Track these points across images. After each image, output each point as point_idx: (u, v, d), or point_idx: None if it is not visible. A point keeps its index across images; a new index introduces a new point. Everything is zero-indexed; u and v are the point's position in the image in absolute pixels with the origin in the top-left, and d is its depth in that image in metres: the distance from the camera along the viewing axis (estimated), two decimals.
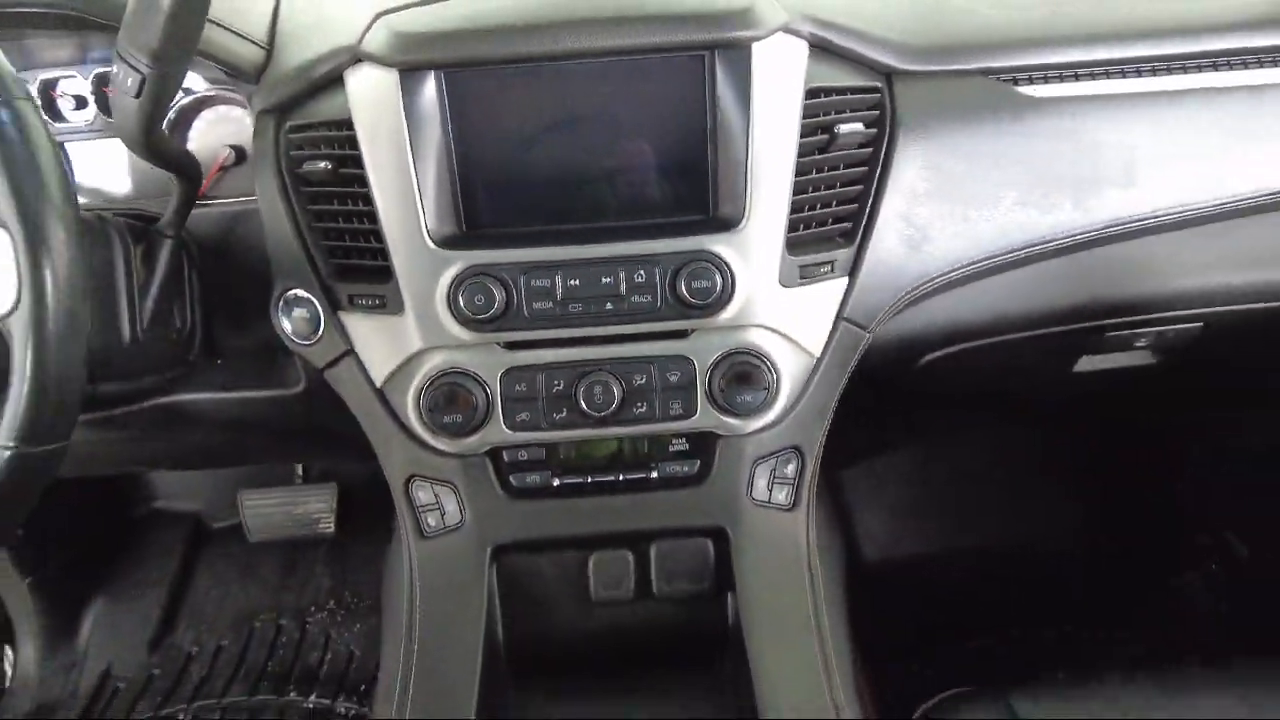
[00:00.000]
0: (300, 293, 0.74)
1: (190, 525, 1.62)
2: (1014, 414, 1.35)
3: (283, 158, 0.72)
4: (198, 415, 0.83)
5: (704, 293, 0.70)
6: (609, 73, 0.69)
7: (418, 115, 0.68)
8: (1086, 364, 0.99)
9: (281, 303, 0.74)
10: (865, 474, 1.46)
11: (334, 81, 0.72)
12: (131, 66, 0.61)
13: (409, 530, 0.75)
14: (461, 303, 0.69)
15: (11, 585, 1.40)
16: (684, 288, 0.70)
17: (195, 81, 0.84)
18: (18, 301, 0.52)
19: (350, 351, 0.74)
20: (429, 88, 0.68)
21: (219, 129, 0.86)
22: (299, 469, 1.55)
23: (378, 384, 0.74)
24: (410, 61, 0.67)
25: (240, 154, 0.84)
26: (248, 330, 0.85)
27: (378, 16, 0.71)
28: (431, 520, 0.74)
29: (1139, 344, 0.95)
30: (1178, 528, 1.45)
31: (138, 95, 0.62)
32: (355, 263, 0.73)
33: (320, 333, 0.74)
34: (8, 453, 0.53)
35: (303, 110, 0.73)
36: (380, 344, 0.73)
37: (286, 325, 0.75)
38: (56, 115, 0.86)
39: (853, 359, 0.78)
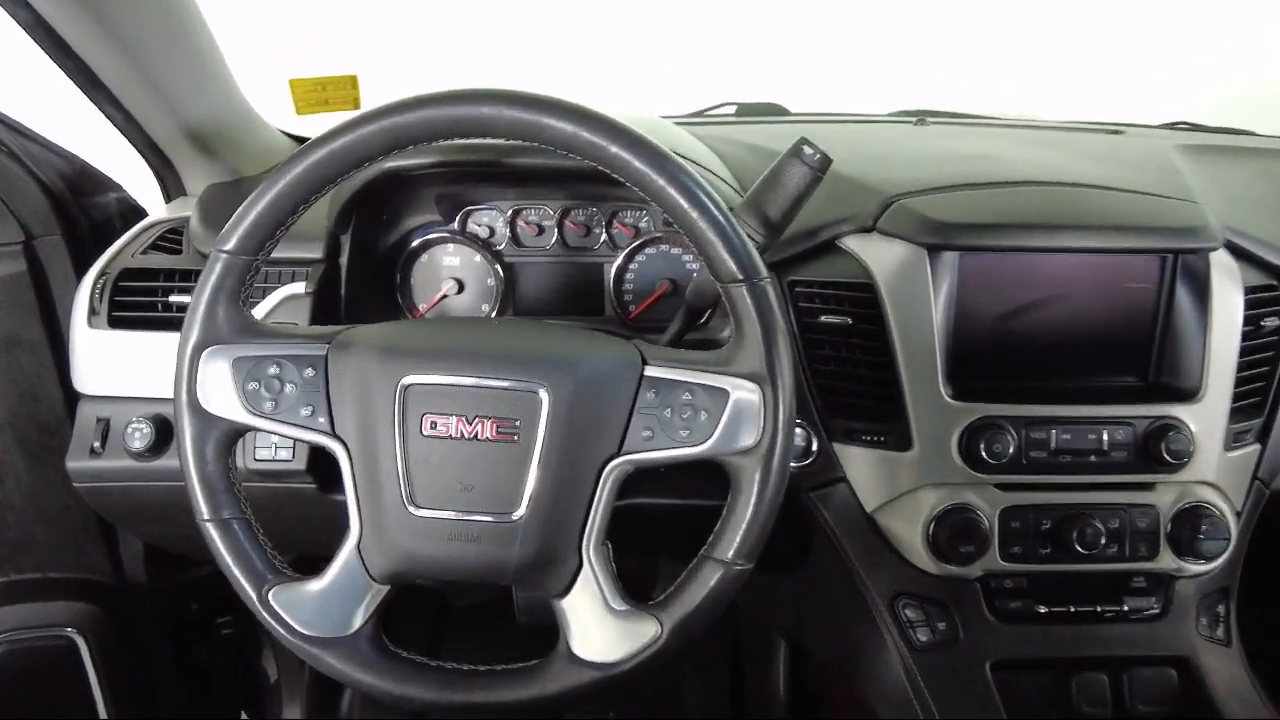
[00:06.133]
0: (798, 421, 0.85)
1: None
2: None
3: (791, 308, 0.85)
4: (650, 515, 0.91)
5: (1177, 454, 0.80)
6: (1080, 262, 0.83)
7: (939, 286, 0.81)
8: None
9: None
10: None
11: (829, 245, 0.86)
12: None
13: (897, 640, 0.83)
14: (981, 449, 0.79)
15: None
16: (1159, 448, 0.80)
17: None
18: (759, 441, 0.61)
19: (843, 478, 0.85)
20: (948, 264, 0.81)
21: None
22: None
23: (868, 509, 0.84)
24: (939, 243, 0.81)
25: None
26: None
27: (891, 200, 0.85)
28: (922, 636, 0.83)
29: None
30: None
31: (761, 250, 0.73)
32: (857, 402, 0.84)
33: (814, 458, 0.85)
34: (736, 568, 0.61)
35: (804, 269, 0.86)
36: (875, 475, 0.83)
37: None
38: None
39: (1257, 513, 0.88)
